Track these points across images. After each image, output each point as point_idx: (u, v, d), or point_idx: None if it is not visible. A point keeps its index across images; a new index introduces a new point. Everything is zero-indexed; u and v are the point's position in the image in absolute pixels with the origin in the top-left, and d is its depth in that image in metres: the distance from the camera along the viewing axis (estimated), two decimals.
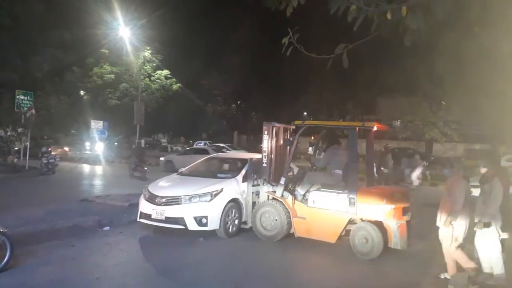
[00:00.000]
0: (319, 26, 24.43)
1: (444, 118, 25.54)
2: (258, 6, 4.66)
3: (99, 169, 19.81)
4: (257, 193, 7.42)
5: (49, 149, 16.76)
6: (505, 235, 4.86)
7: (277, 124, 7.58)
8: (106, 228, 7.32)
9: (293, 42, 4.02)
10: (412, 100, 26.41)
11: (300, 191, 7.03)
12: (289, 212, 6.78)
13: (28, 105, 16.77)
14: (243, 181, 7.62)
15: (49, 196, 10.09)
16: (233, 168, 8.32)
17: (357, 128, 6.62)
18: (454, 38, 5.16)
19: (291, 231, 6.86)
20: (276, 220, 6.83)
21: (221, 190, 7.20)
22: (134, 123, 25.86)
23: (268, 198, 7.14)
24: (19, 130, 16.76)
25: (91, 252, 5.99)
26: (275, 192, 7.01)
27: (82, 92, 28.41)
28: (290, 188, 7.14)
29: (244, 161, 8.12)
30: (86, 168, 20.46)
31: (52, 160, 16.16)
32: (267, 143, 7.32)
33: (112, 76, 25.95)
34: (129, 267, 5.47)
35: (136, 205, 8.55)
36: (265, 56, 30.00)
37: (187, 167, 8.92)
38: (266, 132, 7.34)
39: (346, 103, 37.74)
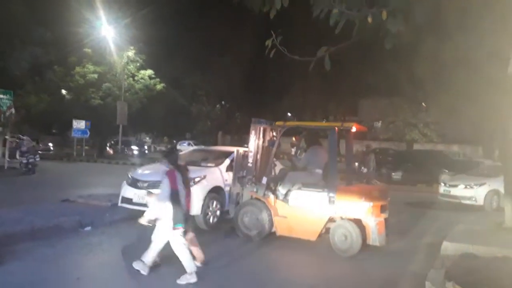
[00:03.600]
0: (302, 29, 24.55)
1: (424, 119, 26.06)
2: (242, 8, 4.71)
3: (80, 168, 19.53)
4: (242, 185, 7.42)
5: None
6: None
7: (265, 124, 7.48)
8: (88, 228, 7.23)
9: (276, 45, 4.09)
10: (393, 102, 26.88)
11: (281, 190, 7.10)
12: (270, 211, 6.85)
13: (8, 104, 16.41)
14: (226, 171, 7.79)
15: (29, 197, 9.92)
16: (217, 159, 8.41)
17: (336, 128, 6.73)
18: (433, 42, 5.32)
19: (272, 230, 6.93)
20: (257, 219, 6.89)
21: (204, 177, 7.38)
22: (117, 123, 25.62)
23: (251, 198, 7.19)
24: None
25: (72, 252, 5.92)
26: (257, 191, 7.07)
27: (64, 92, 27.89)
28: (271, 188, 7.21)
29: (228, 153, 8.27)
30: (67, 167, 20.13)
31: (32, 160, 15.87)
32: (253, 143, 7.32)
33: (95, 75, 25.55)
34: (111, 267, 5.43)
35: (118, 205, 8.55)
36: (249, 57, 29.95)
37: None
38: (253, 132, 7.32)
39: (329, 105, 38.11)
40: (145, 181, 7.45)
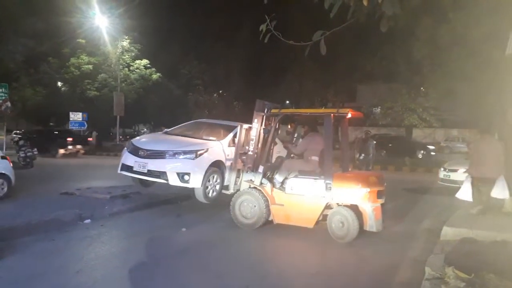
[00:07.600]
0: (298, 13, 24.33)
1: (423, 104, 25.97)
2: None
3: (78, 161, 19.48)
4: (244, 162, 7.36)
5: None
6: None
7: (269, 106, 7.21)
8: (87, 221, 7.22)
9: (270, 29, 3.99)
10: (391, 87, 26.75)
11: (278, 178, 7.08)
12: (267, 200, 6.82)
13: (3, 97, 16.31)
14: (228, 146, 7.83)
15: (28, 190, 9.89)
16: (220, 133, 8.41)
17: (332, 115, 6.67)
18: (430, 23, 5.22)
19: (270, 218, 6.92)
20: (255, 207, 6.86)
21: (206, 150, 7.41)
22: (114, 114, 25.49)
23: (249, 187, 7.14)
24: None
25: (71, 245, 5.90)
26: (254, 180, 7.02)
27: (59, 84, 27.67)
28: (268, 176, 7.17)
29: (231, 128, 8.27)
30: (65, 160, 20.07)
31: (30, 154, 15.78)
32: (256, 131, 7.16)
33: (90, 66, 25.32)
34: (111, 260, 5.42)
35: (117, 198, 8.57)
36: (245, 46, 29.70)
37: (173, 128, 9.03)
38: (256, 120, 7.17)
39: (327, 91, 37.93)
40: (147, 150, 7.46)
